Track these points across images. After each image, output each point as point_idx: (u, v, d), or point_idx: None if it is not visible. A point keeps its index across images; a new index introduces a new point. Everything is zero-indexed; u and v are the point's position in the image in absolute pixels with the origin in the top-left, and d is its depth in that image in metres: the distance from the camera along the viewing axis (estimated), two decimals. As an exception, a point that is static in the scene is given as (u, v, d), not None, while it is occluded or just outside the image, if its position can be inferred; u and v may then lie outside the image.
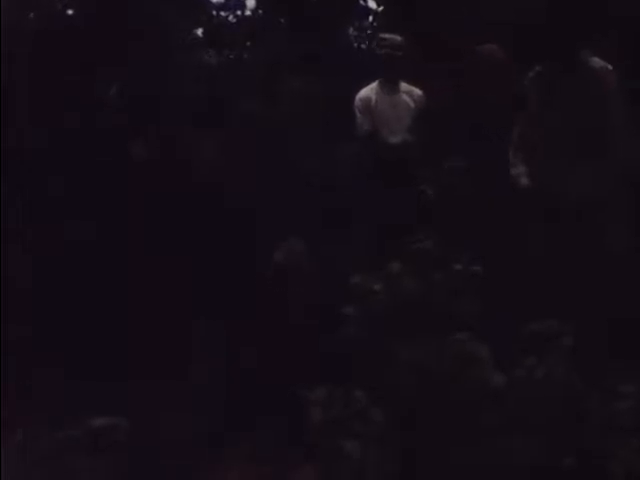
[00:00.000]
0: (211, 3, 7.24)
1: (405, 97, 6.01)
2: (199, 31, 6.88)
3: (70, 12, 6.33)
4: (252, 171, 5.73)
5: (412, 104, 6.00)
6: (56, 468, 4.10)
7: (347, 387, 3.38)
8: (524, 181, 4.63)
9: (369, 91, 6.03)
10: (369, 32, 7.52)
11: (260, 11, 7.23)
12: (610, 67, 4.62)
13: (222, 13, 7.24)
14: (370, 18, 7.56)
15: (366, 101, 5.98)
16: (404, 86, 6.04)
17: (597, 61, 4.62)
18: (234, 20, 7.21)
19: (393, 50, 5.92)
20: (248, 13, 7.24)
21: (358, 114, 5.97)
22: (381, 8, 7.58)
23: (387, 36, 6.02)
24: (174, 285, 5.25)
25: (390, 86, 6.00)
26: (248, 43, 7.14)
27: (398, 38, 5.98)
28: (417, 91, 6.05)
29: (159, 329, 5.10)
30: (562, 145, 4.52)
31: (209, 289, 5.27)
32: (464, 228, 4.68)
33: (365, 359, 3.44)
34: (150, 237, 5.38)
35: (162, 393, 4.71)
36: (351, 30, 7.56)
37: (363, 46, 7.49)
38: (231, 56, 6.93)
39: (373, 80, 6.02)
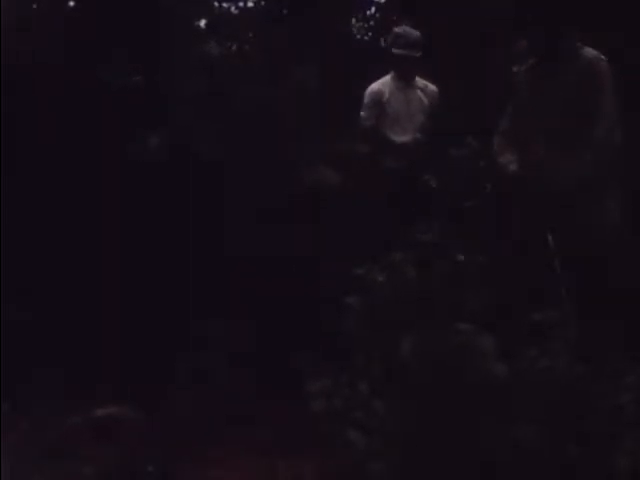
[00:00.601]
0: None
1: (419, 93, 5.79)
2: (201, 22, 6.87)
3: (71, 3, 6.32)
4: (253, 162, 5.71)
5: (425, 101, 5.77)
6: (60, 459, 4.11)
7: (350, 378, 3.39)
8: (513, 168, 4.57)
9: (381, 85, 5.79)
10: (372, 23, 7.46)
11: (262, 2, 7.22)
12: (603, 57, 4.55)
13: (224, 4, 7.23)
14: (373, 9, 7.51)
15: (377, 95, 5.75)
16: (419, 81, 5.81)
17: (590, 51, 4.55)
18: (236, 11, 7.20)
19: (410, 50, 5.67)
20: (250, 4, 7.23)
21: (365, 108, 5.76)
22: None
23: (402, 32, 5.75)
24: (179, 275, 5.26)
25: (405, 82, 5.77)
26: (250, 34, 7.12)
27: (415, 34, 5.73)
28: (432, 87, 5.83)
29: (159, 322, 5.12)
30: (553, 134, 4.47)
31: (209, 285, 5.28)
32: (467, 218, 4.68)
33: (367, 350, 3.44)
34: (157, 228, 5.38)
35: (162, 387, 4.74)
36: (354, 21, 7.50)
37: (366, 37, 7.42)
38: (233, 48, 6.92)
39: (376, 72, 5.93)
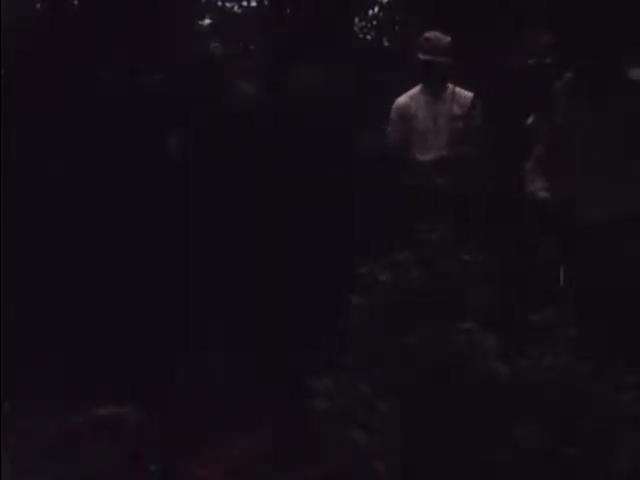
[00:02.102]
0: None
1: (451, 104, 5.36)
2: (205, 22, 6.86)
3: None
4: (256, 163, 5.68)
5: (458, 110, 5.32)
6: (60, 458, 4.10)
7: (352, 377, 3.38)
8: (544, 195, 4.35)
9: (409, 98, 5.43)
10: (375, 22, 7.40)
11: (266, 2, 7.19)
12: None
13: (227, 4, 7.20)
14: (376, 8, 7.44)
15: (403, 110, 5.39)
16: (451, 89, 5.38)
17: (638, 72, 4.31)
18: (239, 11, 7.18)
19: (435, 56, 5.27)
20: (254, 3, 7.20)
21: (390, 125, 5.41)
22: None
23: (430, 36, 5.33)
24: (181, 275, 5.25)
25: (433, 92, 5.39)
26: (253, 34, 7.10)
27: (444, 40, 5.33)
28: (466, 94, 5.38)
29: (159, 321, 5.11)
30: (597, 166, 4.22)
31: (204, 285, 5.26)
32: (472, 218, 4.64)
33: (370, 348, 3.44)
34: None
35: (162, 387, 4.73)
36: (356, 20, 7.43)
37: (369, 37, 7.36)
38: (237, 47, 6.89)
39: (378, 71, 5.82)
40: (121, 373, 4.73)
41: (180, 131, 5.57)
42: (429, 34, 5.38)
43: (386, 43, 7.23)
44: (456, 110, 5.33)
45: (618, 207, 4.18)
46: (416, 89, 5.47)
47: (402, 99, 5.47)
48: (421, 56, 5.35)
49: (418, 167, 5.28)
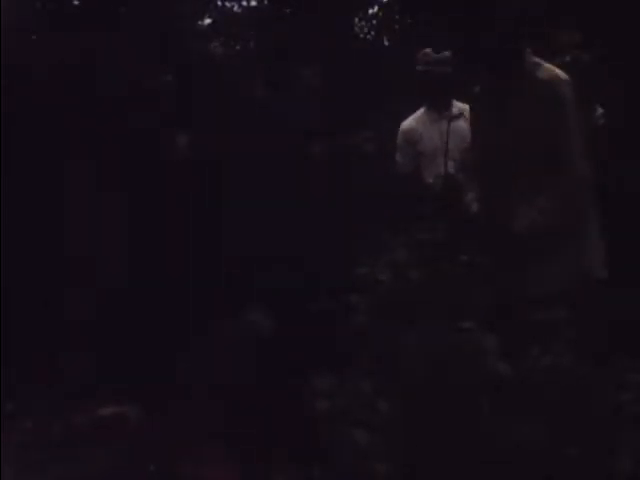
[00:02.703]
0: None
1: (459, 122, 5.23)
2: (205, 21, 6.88)
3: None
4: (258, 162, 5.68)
5: (466, 126, 4.96)
6: (61, 458, 4.10)
7: (353, 376, 3.38)
8: (475, 207, 4.17)
9: (413, 121, 5.37)
10: (374, 22, 7.41)
11: (265, 1, 7.21)
12: (564, 76, 3.94)
13: (227, 4, 7.22)
14: (376, 8, 7.45)
15: (409, 134, 5.32)
16: (458, 106, 5.31)
17: (548, 70, 3.95)
18: (239, 10, 7.20)
19: (435, 66, 5.25)
20: (254, 3, 7.22)
21: (398, 149, 5.34)
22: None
23: (428, 51, 5.34)
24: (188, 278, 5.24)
25: (438, 111, 5.32)
26: (252, 33, 7.12)
27: (442, 54, 5.31)
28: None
29: (160, 321, 5.11)
30: (511, 173, 3.93)
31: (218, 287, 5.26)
32: (471, 218, 4.63)
33: (371, 348, 3.44)
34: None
35: (162, 387, 4.73)
36: (356, 20, 7.44)
37: (369, 37, 7.37)
38: (237, 47, 6.90)
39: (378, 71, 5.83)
40: (121, 373, 4.73)
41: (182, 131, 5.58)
42: (428, 49, 5.39)
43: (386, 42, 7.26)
44: (463, 128, 5.15)
45: (542, 219, 3.90)
46: (420, 111, 5.43)
47: (407, 123, 5.43)
48: (418, 67, 5.35)
49: (427, 188, 5.14)
